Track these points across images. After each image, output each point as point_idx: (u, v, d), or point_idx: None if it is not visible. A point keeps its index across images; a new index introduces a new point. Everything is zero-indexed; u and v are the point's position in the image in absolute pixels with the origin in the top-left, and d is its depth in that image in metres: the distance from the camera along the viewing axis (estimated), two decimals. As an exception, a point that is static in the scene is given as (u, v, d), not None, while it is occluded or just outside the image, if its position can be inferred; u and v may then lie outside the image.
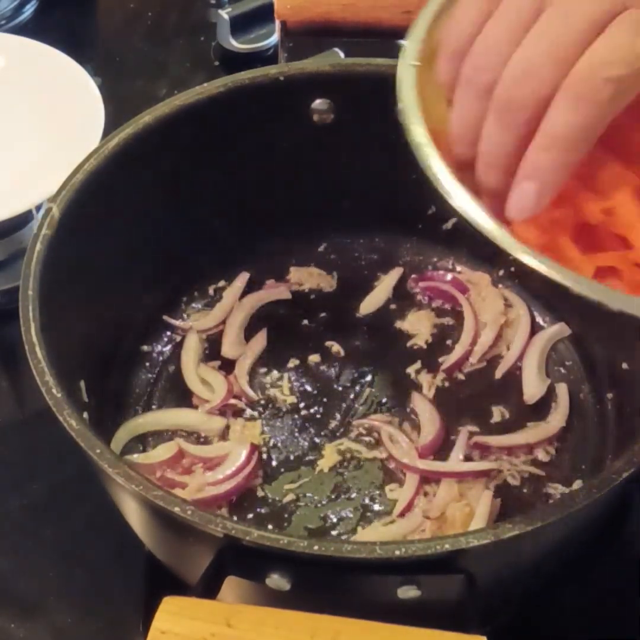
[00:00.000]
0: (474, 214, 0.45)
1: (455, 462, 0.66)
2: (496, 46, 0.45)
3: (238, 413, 0.69)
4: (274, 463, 0.67)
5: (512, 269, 0.76)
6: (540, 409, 0.70)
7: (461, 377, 0.71)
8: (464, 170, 0.47)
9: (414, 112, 0.48)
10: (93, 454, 0.50)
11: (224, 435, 0.68)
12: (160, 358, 0.72)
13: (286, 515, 0.64)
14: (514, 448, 0.67)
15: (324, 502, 0.65)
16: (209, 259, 0.75)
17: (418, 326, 0.73)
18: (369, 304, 0.75)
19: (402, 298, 0.76)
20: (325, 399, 0.70)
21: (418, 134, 0.47)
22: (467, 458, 0.66)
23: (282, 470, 0.66)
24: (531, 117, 0.44)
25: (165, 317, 0.73)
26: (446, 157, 0.47)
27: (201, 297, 0.75)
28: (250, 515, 0.64)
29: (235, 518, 0.62)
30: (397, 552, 0.46)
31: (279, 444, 0.67)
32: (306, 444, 0.68)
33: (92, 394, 0.63)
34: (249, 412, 0.69)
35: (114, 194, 0.65)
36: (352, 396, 0.70)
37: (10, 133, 0.85)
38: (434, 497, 0.64)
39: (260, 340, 0.73)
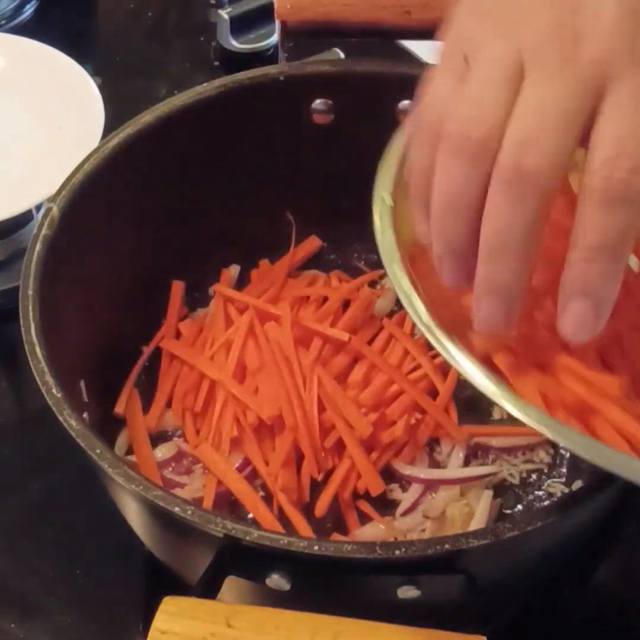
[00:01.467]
0: (472, 374, 0.46)
1: (456, 464, 0.66)
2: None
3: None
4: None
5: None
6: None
7: (462, 377, 0.71)
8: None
9: (395, 257, 0.48)
10: (93, 454, 0.50)
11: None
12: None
13: (286, 515, 0.64)
14: (514, 448, 0.67)
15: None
16: (209, 259, 0.75)
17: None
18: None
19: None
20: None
21: (402, 282, 0.47)
22: (468, 458, 0.66)
23: (282, 470, 0.66)
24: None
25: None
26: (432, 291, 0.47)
27: (202, 297, 0.75)
28: (251, 515, 0.64)
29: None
30: (397, 552, 0.46)
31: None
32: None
33: (92, 394, 0.63)
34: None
35: (114, 194, 0.65)
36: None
37: (10, 133, 0.85)
38: (434, 497, 0.64)
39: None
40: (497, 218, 0.41)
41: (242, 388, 0.66)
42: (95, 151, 0.64)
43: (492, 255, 0.42)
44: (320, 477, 0.63)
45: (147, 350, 0.71)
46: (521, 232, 0.41)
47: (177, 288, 0.73)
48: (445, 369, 0.68)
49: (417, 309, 0.47)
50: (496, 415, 0.69)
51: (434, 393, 0.68)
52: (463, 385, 0.70)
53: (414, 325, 0.68)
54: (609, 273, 0.41)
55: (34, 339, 0.55)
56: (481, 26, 0.43)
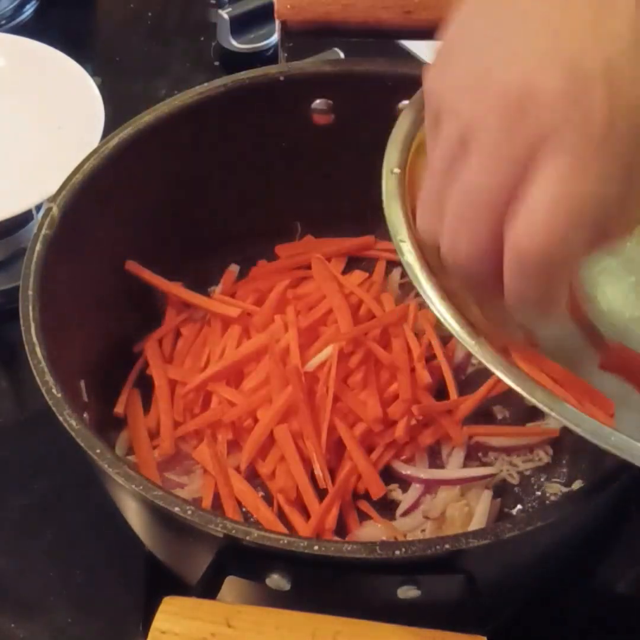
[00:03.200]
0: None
1: (456, 465, 0.66)
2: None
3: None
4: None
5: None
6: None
7: (462, 377, 0.71)
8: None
9: (402, 228, 0.49)
10: (93, 454, 0.50)
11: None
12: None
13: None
14: (514, 448, 0.67)
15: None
16: (209, 259, 0.75)
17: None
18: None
19: (403, 299, 0.76)
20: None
21: (407, 252, 0.49)
22: (468, 458, 0.66)
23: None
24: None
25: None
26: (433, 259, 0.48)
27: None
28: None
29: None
30: (397, 552, 0.46)
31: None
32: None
33: (92, 394, 0.63)
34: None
35: (114, 194, 0.65)
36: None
37: (10, 133, 0.85)
38: (434, 497, 0.64)
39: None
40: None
41: (236, 393, 0.66)
42: (95, 151, 0.64)
43: None
44: (326, 485, 0.62)
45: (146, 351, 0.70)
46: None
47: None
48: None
49: (422, 283, 0.48)
50: (497, 416, 0.69)
51: (434, 393, 0.68)
52: (464, 386, 0.71)
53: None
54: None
55: (34, 339, 0.55)
56: (449, 91, 0.44)
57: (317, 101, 0.70)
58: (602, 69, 0.40)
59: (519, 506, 0.65)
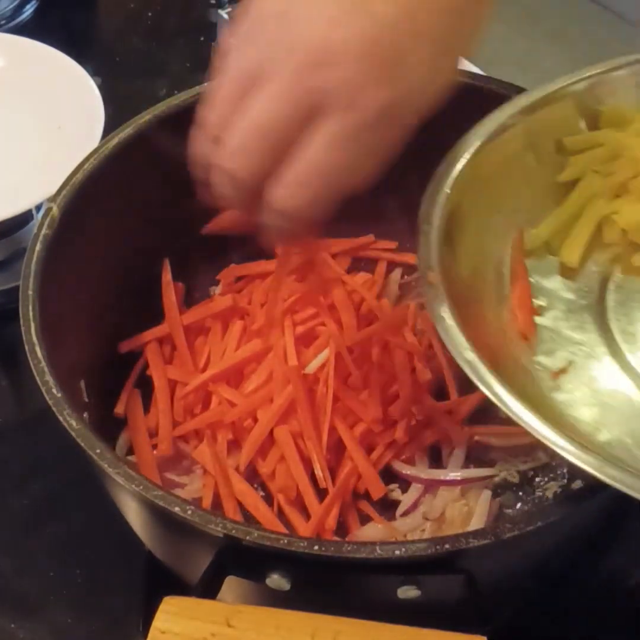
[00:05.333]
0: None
1: (457, 464, 0.66)
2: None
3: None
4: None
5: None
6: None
7: (462, 377, 0.71)
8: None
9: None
10: (93, 453, 0.50)
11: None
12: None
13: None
14: (514, 448, 0.67)
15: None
16: (209, 259, 0.75)
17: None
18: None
19: (403, 299, 0.76)
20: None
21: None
22: (468, 457, 0.66)
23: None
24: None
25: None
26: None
27: (203, 297, 0.75)
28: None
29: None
30: (397, 552, 0.46)
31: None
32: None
33: (92, 394, 0.63)
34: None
35: (113, 194, 0.65)
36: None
37: (10, 133, 0.85)
38: (434, 497, 0.64)
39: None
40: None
41: (236, 393, 0.66)
42: (95, 151, 0.64)
43: None
44: (326, 485, 0.62)
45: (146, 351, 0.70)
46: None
47: (176, 289, 0.73)
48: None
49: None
50: (499, 415, 0.69)
51: (434, 393, 0.68)
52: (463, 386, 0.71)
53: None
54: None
55: (34, 339, 0.55)
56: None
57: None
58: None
59: (519, 506, 0.65)
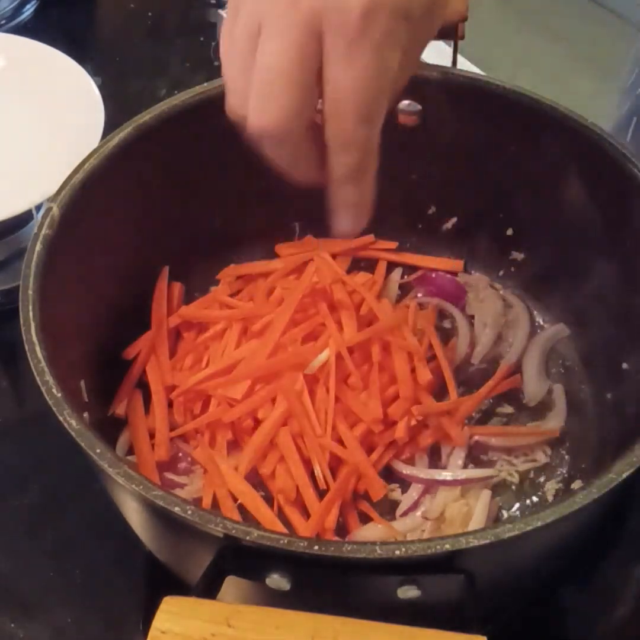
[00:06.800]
0: None
1: (457, 464, 0.66)
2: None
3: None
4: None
5: (512, 269, 0.76)
6: (540, 409, 0.70)
7: (462, 377, 0.71)
8: None
9: None
10: (93, 453, 0.50)
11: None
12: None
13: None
14: (514, 448, 0.67)
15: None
16: (209, 259, 0.75)
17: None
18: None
19: (403, 299, 0.76)
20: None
21: None
22: (468, 457, 0.66)
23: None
24: None
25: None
26: None
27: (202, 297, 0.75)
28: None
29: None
30: (397, 552, 0.46)
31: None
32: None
33: (92, 394, 0.63)
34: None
35: (114, 194, 0.65)
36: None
37: (10, 133, 0.85)
38: (433, 498, 0.64)
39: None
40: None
41: (235, 390, 0.66)
42: (95, 151, 0.64)
43: None
44: (326, 485, 0.62)
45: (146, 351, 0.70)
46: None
47: (176, 289, 0.73)
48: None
49: None
50: (499, 415, 0.69)
51: (434, 393, 0.68)
52: (465, 386, 0.71)
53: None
54: (353, 194, 0.53)
55: (34, 339, 0.55)
56: None
57: (320, 101, 0.69)
58: None
59: (519, 506, 0.65)
